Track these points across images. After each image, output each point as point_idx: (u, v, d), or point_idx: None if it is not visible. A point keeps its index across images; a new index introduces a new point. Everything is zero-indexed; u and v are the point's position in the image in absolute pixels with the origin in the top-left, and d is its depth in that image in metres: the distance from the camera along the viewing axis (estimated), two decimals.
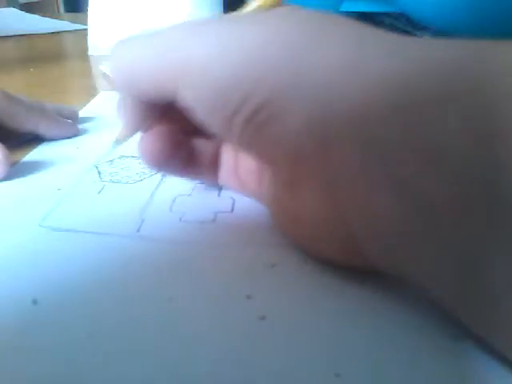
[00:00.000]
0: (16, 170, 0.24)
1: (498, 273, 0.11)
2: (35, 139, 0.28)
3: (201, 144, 0.20)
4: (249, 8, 0.18)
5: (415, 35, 0.72)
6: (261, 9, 0.17)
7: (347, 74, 0.13)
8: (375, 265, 0.14)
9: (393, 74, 0.12)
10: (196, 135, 0.20)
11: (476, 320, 0.13)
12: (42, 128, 0.28)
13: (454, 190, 0.11)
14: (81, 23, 0.87)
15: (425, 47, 0.13)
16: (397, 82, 0.12)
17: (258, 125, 0.14)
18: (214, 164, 0.20)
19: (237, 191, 0.21)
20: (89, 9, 0.63)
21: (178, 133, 0.18)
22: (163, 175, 0.24)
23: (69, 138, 0.29)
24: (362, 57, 0.13)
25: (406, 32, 0.73)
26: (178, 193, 0.22)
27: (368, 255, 0.14)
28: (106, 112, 0.35)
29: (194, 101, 0.15)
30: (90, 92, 0.42)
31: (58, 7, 1.87)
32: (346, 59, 0.13)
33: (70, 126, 0.30)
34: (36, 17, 1.06)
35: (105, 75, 0.48)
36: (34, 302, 0.15)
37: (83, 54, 0.63)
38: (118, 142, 0.20)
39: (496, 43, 0.12)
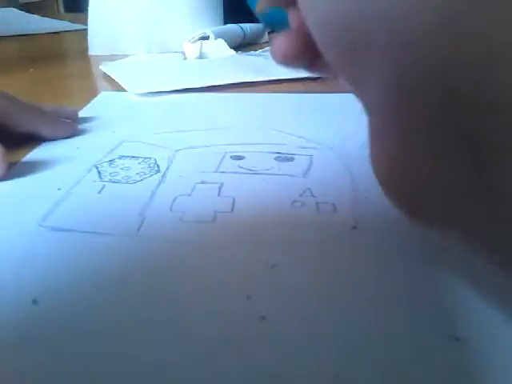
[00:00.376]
0: (16, 170, 0.24)
1: None
2: (35, 139, 0.28)
3: None
4: None
5: None
6: None
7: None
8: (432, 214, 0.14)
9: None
10: None
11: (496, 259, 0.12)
12: (42, 128, 0.28)
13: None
14: (81, 23, 0.87)
15: None
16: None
17: (356, 70, 0.14)
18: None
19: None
20: (89, 9, 0.63)
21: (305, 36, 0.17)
22: (163, 175, 0.24)
23: (69, 137, 0.29)
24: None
25: None
26: (178, 193, 0.22)
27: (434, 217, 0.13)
28: (105, 112, 0.35)
29: (307, 15, 0.14)
30: (90, 92, 0.42)
31: (58, 7, 1.87)
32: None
33: (69, 125, 0.30)
34: (36, 17, 1.06)
35: (105, 75, 0.48)
36: (34, 302, 0.15)
37: (83, 54, 0.63)
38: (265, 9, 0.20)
39: None
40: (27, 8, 1.39)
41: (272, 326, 0.14)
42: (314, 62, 0.19)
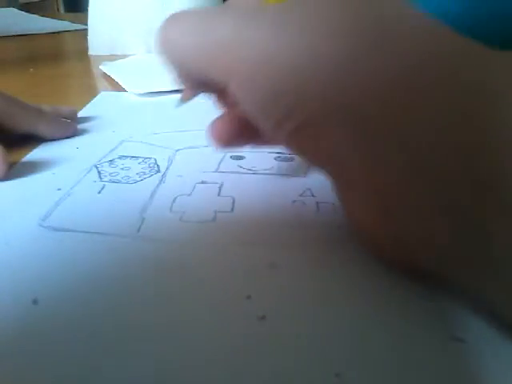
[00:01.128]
0: (16, 170, 0.24)
1: None
2: (35, 139, 0.28)
3: None
4: None
5: None
6: None
7: (399, 108, 0.12)
8: (426, 268, 0.14)
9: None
10: None
11: (492, 298, 0.13)
12: (41, 128, 0.28)
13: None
14: (81, 23, 0.87)
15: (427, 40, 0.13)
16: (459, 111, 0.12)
17: (302, 137, 0.14)
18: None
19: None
20: (89, 9, 0.63)
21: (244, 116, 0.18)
22: (163, 175, 0.24)
23: (68, 137, 0.29)
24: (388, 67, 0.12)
25: None
26: (178, 193, 0.22)
27: (419, 261, 0.14)
28: (105, 112, 0.35)
29: (245, 98, 0.14)
30: (90, 92, 0.42)
31: (58, 7, 1.87)
32: (400, 84, 0.12)
33: (68, 125, 0.30)
34: (36, 17, 1.06)
35: (105, 75, 0.48)
36: (34, 302, 0.15)
37: (83, 54, 0.63)
38: (182, 101, 0.20)
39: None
40: (27, 8, 1.40)
41: (272, 326, 0.14)
42: (254, 139, 0.19)
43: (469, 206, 0.12)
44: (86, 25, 0.65)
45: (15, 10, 1.20)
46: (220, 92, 0.18)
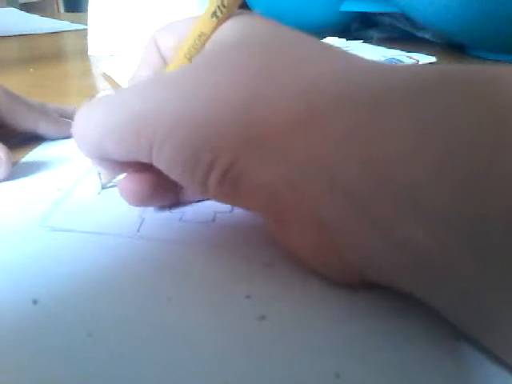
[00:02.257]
0: (16, 170, 0.24)
1: (496, 297, 0.11)
2: (35, 139, 0.28)
3: None
4: (192, 35, 0.17)
5: (415, 35, 0.72)
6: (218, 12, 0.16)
7: (301, 125, 0.13)
8: (376, 286, 0.14)
9: (354, 119, 0.12)
10: None
11: (472, 328, 0.13)
12: (42, 127, 0.28)
13: (435, 235, 0.11)
14: (81, 23, 0.87)
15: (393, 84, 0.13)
16: (362, 129, 0.12)
17: (232, 181, 0.14)
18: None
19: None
20: (89, 9, 0.63)
21: (157, 171, 0.18)
22: None
23: (69, 137, 0.29)
24: (314, 104, 0.13)
25: (405, 32, 0.73)
26: None
27: (368, 281, 0.14)
28: None
29: (168, 165, 0.15)
30: (90, 92, 0.42)
31: (58, 7, 1.87)
32: (299, 108, 0.13)
33: (69, 125, 0.30)
34: (36, 17, 1.06)
35: (105, 75, 0.48)
36: (34, 302, 0.15)
37: (83, 54, 0.63)
38: (104, 185, 0.21)
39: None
40: (27, 8, 1.40)
41: (272, 325, 0.14)
42: (170, 197, 0.20)
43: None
44: (86, 25, 0.65)
45: (15, 10, 1.20)
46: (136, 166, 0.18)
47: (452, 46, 0.65)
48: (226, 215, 0.20)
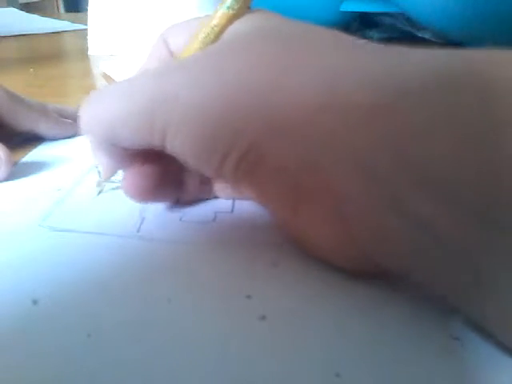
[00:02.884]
0: (16, 170, 0.24)
1: (501, 278, 0.11)
2: (35, 139, 0.28)
3: (188, 173, 0.19)
4: (215, 19, 0.17)
5: (415, 35, 0.72)
6: (226, 17, 0.17)
7: (324, 108, 0.13)
8: (386, 272, 0.14)
9: (374, 101, 0.12)
10: (180, 165, 0.20)
11: (484, 318, 0.13)
12: (42, 127, 0.28)
13: (449, 211, 0.11)
14: (81, 23, 0.87)
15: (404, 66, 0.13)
16: (381, 108, 0.12)
17: (249, 166, 0.14)
18: (206, 187, 0.20)
19: (236, 198, 0.21)
20: (89, 9, 0.63)
21: (161, 166, 0.18)
22: None
23: (69, 137, 0.29)
24: (336, 87, 0.13)
25: (405, 32, 0.73)
26: None
27: (379, 265, 0.14)
28: None
29: (184, 150, 0.15)
30: (90, 92, 0.42)
31: (58, 7, 1.87)
32: (320, 92, 0.13)
33: (69, 125, 0.30)
34: (36, 17, 1.06)
35: (105, 75, 0.48)
36: (34, 302, 0.15)
37: (83, 54, 0.63)
38: (100, 184, 0.21)
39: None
40: (27, 8, 1.40)
41: (272, 326, 0.14)
42: (178, 189, 0.19)
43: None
44: (86, 25, 0.65)
45: (15, 10, 1.20)
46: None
47: (452, 46, 0.65)
48: (227, 215, 0.20)
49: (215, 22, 0.17)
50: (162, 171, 0.18)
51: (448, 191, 0.11)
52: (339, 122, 0.13)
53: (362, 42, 0.15)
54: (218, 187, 0.20)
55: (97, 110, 0.16)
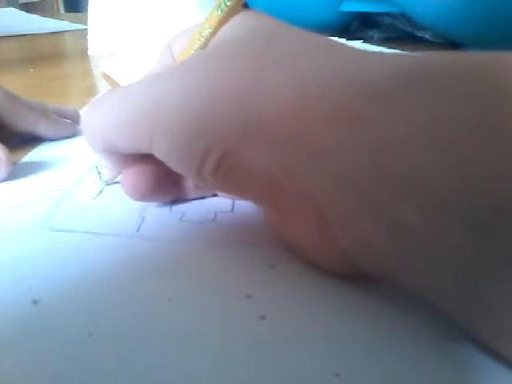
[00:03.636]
0: (16, 170, 0.24)
1: (495, 286, 0.11)
2: (35, 139, 0.28)
3: None
4: (200, 30, 0.17)
5: (415, 35, 0.72)
6: (219, 18, 0.17)
7: (294, 112, 0.13)
8: (373, 276, 0.14)
9: (343, 104, 0.12)
10: None
11: (474, 325, 0.13)
12: (42, 129, 0.28)
13: (433, 220, 0.11)
14: (81, 23, 0.87)
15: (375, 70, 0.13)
16: (352, 113, 0.12)
17: (227, 170, 0.15)
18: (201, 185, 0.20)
19: (235, 198, 0.21)
20: (89, 9, 0.63)
21: (159, 166, 0.18)
22: None
23: (68, 138, 0.29)
24: (306, 90, 0.13)
25: (405, 32, 0.73)
26: None
27: (366, 271, 0.14)
28: None
29: (167, 155, 0.15)
30: (90, 92, 0.42)
31: (57, 7, 1.87)
32: (291, 96, 0.13)
33: (69, 126, 0.30)
34: (36, 17, 1.06)
35: (105, 75, 0.48)
36: (34, 302, 0.15)
37: (83, 54, 0.63)
38: (108, 182, 0.21)
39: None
40: (27, 8, 1.40)
41: (272, 326, 0.14)
42: (176, 189, 0.20)
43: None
44: (86, 25, 0.65)
45: (15, 10, 1.20)
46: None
47: (452, 46, 0.65)
48: (227, 215, 0.20)
49: (206, 25, 0.17)
50: (161, 170, 0.18)
51: (431, 201, 0.11)
52: (310, 128, 0.13)
53: (342, 43, 0.15)
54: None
55: (93, 119, 0.17)
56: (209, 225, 0.19)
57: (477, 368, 0.12)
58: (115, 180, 0.21)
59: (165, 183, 0.19)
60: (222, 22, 0.17)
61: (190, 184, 0.20)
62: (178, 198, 0.21)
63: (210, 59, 0.15)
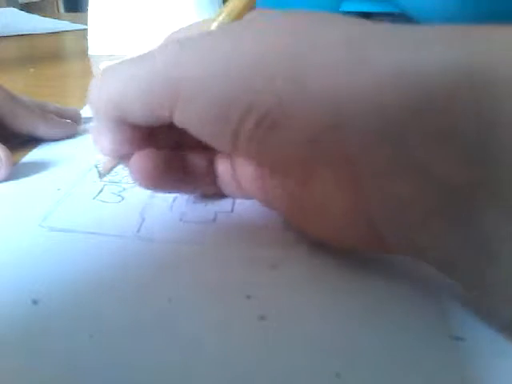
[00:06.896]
0: (16, 171, 0.24)
1: (505, 249, 0.12)
2: (35, 139, 0.28)
3: (193, 158, 0.19)
4: (221, 17, 0.17)
5: None
6: (231, 15, 0.17)
7: (346, 74, 0.13)
8: (394, 248, 0.14)
9: (396, 68, 0.12)
10: (186, 150, 0.19)
11: (481, 289, 0.13)
12: (42, 130, 0.28)
13: (468, 171, 0.12)
14: (81, 23, 0.87)
15: (420, 38, 0.13)
16: (404, 75, 0.12)
17: (264, 132, 0.14)
18: (210, 175, 0.20)
19: (238, 197, 0.21)
20: (89, 9, 0.63)
21: (167, 151, 0.18)
22: None
23: (69, 138, 0.29)
24: (357, 56, 0.13)
25: None
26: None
27: (385, 238, 0.14)
28: None
29: (195, 119, 0.15)
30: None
31: (57, 7, 1.87)
32: (342, 60, 0.13)
33: (69, 126, 0.30)
34: (36, 17, 1.06)
35: None
36: (34, 302, 0.15)
37: (83, 54, 0.63)
38: (103, 174, 0.21)
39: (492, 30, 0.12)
40: (27, 8, 1.40)
41: (272, 325, 0.14)
42: (183, 177, 0.19)
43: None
44: (86, 25, 0.65)
45: (15, 10, 1.20)
46: (147, 131, 0.18)
47: None
48: (227, 215, 0.20)
49: (231, 7, 0.17)
50: (169, 155, 0.18)
51: (465, 153, 0.12)
52: (362, 79, 0.13)
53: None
54: (222, 183, 0.20)
55: (106, 82, 0.16)
56: (209, 225, 0.19)
57: (477, 368, 0.12)
58: (114, 181, 0.21)
59: (173, 169, 0.18)
60: (249, 4, 0.16)
61: (197, 170, 0.20)
62: (186, 189, 0.20)
63: (249, 26, 0.15)
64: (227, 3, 0.17)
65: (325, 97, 0.13)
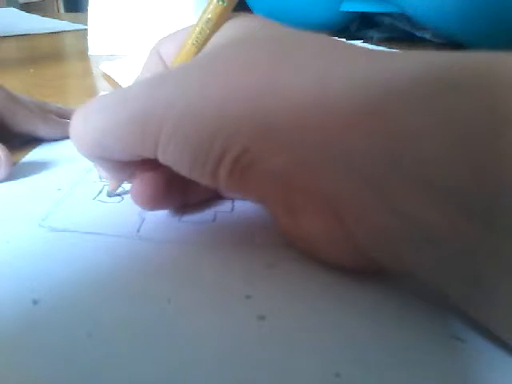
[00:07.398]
0: (16, 171, 0.24)
1: (501, 282, 0.11)
2: (35, 139, 0.28)
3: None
4: (200, 23, 0.17)
5: (415, 35, 0.72)
6: (210, 23, 0.17)
7: (314, 109, 0.13)
8: (383, 268, 0.14)
9: (364, 101, 0.12)
10: None
11: (480, 316, 0.13)
12: (42, 129, 0.28)
13: (448, 214, 0.11)
14: (81, 23, 0.88)
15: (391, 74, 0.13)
16: (372, 109, 0.12)
17: (242, 170, 0.14)
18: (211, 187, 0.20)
19: (238, 199, 0.21)
20: (89, 9, 0.63)
21: (166, 170, 0.18)
22: None
23: (69, 138, 0.29)
24: (325, 88, 0.13)
25: (405, 32, 0.73)
26: None
27: (376, 262, 0.14)
28: None
29: (176, 158, 0.15)
30: (90, 92, 0.42)
31: (57, 7, 1.87)
32: (310, 93, 0.13)
33: (69, 126, 0.30)
34: (36, 17, 1.06)
35: (105, 75, 0.48)
36: (34, 302, 0.15)
37: (83, 54, 0.63)
38: (110, 194, 0.21)
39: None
40: (27, 8, 1.40)
41: (272, 325, 0.14)
42: (185, 193, 0.19)
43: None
44: (86, 25, 0.65)
45: (15, 10, 1.20)
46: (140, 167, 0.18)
47: (452, 46, 0.65)
48: (227, 215, 0.20)
49: (207, 17, 0.17)
50: (169, 177, 0.18)
51: (446, 194, 0.11)
52: (330, 124, 0.13)
53: (353, 44, 0.15)
54: (224, 192, 0.20)
55: (84, 126, 0.16)
56: (209, 225, 0.19)
57: (477, 368, 0.12)
58: (117, 192, 0.21)
59: (174, 190, 0.19)
60: (224, 13, 0.16)
61: (198, 188, 0.20)
62: (187, 203, 0.20)
63: (217, 60, 0.15)
64: (205, 8, 0.17)
65: (289, 136, 0.13)
